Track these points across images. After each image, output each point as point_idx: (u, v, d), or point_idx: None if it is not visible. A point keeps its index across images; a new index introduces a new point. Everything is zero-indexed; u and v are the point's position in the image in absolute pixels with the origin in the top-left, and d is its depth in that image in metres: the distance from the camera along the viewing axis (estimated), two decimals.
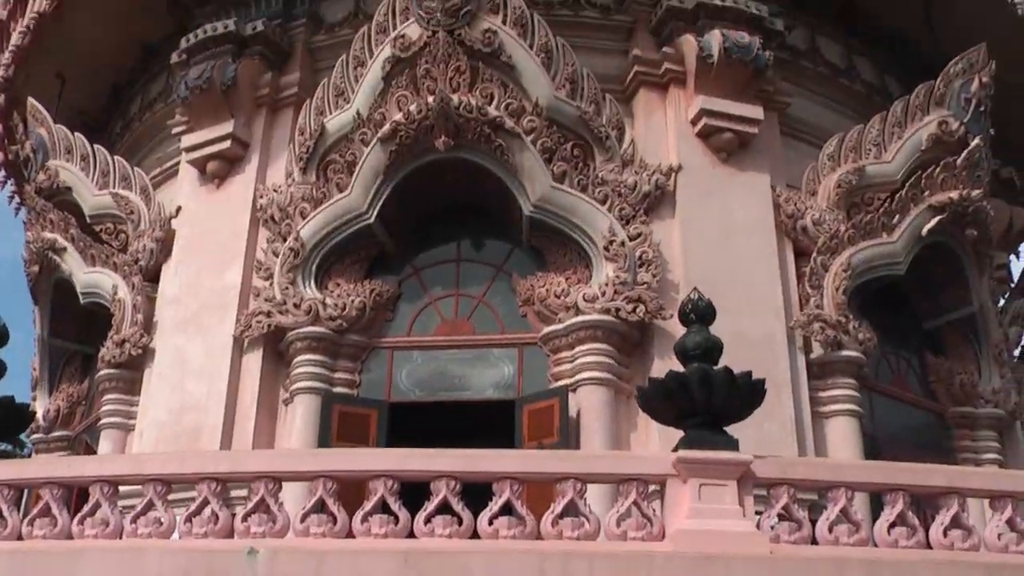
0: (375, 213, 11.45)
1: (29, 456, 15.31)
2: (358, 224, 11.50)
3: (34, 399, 14.45)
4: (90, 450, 13.12)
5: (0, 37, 15.66)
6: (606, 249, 10.94)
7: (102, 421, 12.29)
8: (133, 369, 12.20)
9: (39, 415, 13.86)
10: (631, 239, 11.02)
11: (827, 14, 13.91)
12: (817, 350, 11.31)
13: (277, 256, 11.51)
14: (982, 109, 12.95)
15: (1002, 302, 14.97)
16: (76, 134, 13.92)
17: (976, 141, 12.59)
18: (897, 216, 12.01)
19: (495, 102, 11.20)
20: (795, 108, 12.79)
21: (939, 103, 12.70)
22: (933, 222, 12.17)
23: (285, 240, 11.55)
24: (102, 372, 12.38)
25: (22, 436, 14.00)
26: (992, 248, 13.64)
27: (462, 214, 12.03)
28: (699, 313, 7.87)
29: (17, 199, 17.01)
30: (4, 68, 15.25)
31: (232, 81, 12.35)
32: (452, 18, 11.20)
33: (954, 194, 12.27)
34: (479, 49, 11.25)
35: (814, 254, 11.60)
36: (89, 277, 12.92)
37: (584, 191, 11.21)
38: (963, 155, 12.36)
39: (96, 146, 13.75)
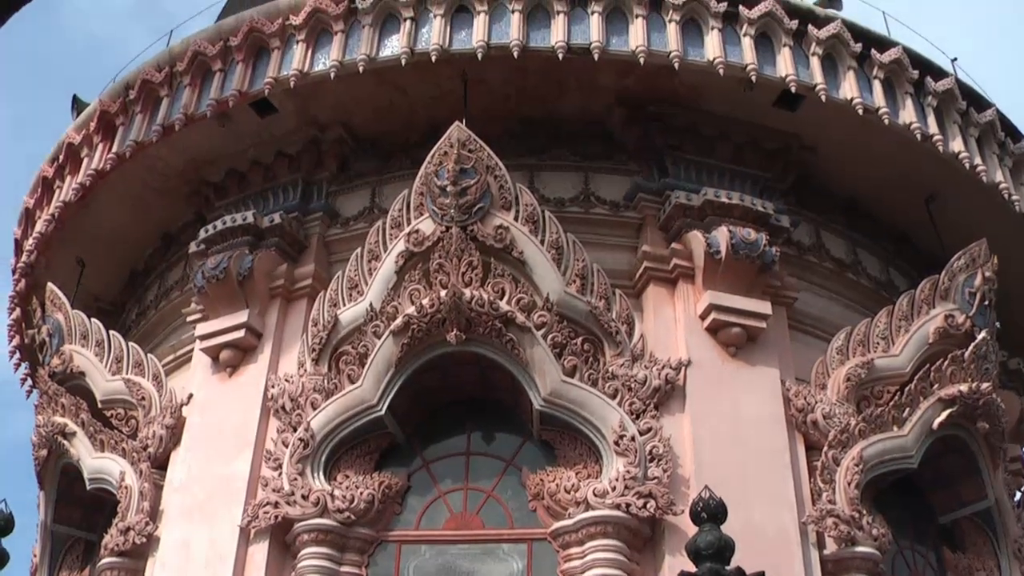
0: (386, 405, 11.45)
1: None
2: (369, 416, 11.48)
3: None
4: None
5: (25, 224, 16.11)
6: (616, 444, 10.87)
7: None
8: (136, 558, 11.96)
9: None
10: (641, 433, 10.98)
11: (831, 211, 14.24)
12: (831, 546, 11.07)
13: (287, 446, 11.46)
14: (986, 303, 13.11)
15: (1018, 496, 14.79)
16: (93, 320, 14.10)
17: (983, 334, 12.70)
18: (907, 409, 11.98)
19: (506, 297, 11.34)
20: (802, 302, 12.93)
21: (944, 297, 12.87)
22: (944, 415, 12.12)
23: (295, 430, 11.52)
24: (104, 560, 12.12)
25: None
26: (1005, 441, 13.51)
27: (473, 406, 12.03)
28: (711, 512, 7.87)
29: (29, 382, 17.15)
30: (27, 254, 15.59)
31: (248, 272, 12.56)
32: (465, 214, 11.43)
33: (963, 387, 12.28)
34: (491, 245, 11.43)
35: (825, 448, 11.50)
36: (97, 463, 12.84)
37: (594, 385, 11.23)
38: (970, 348, 12.44)
39: (112, 332, 13.91)
